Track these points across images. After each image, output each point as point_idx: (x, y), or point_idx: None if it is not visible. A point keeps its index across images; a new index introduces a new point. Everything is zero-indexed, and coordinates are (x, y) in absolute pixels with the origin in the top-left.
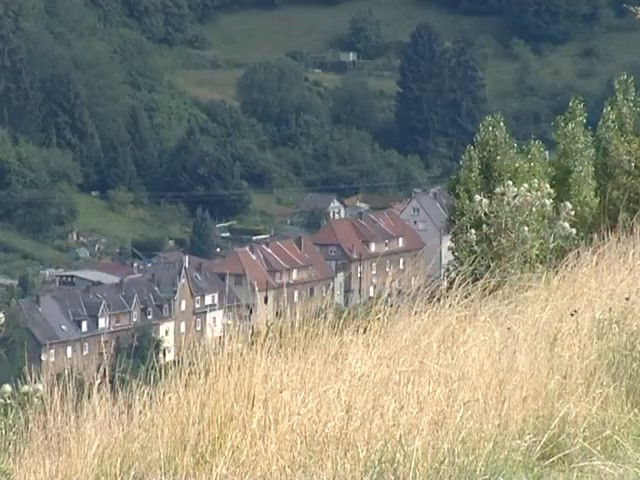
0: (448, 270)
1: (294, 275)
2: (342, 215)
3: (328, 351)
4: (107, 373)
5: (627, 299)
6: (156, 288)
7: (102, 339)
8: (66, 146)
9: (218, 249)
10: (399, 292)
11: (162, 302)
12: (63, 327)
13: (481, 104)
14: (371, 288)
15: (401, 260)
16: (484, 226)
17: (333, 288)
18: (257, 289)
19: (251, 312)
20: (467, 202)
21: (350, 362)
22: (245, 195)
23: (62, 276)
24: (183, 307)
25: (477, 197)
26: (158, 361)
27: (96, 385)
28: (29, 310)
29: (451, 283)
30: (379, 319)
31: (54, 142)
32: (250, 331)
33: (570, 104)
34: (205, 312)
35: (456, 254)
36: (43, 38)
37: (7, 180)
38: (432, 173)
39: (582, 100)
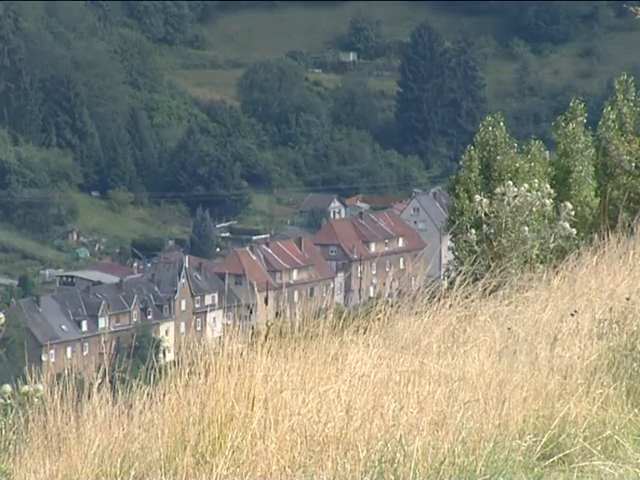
0: (448, 270)
1: (294, 275)
2: (342, 215)
3: (328, 351)
4: (107, 373)
5: (627, 299)
6: (156, 288)
7: (102, 339)
8: (66, 146)
9: (218, 249)
10: (399, 292)
11: (162, 302)
12: (63, 327)
13: (481, 104)
14: (371, 288)
15: (401, 260)
16: (484, 226)
17: (333, 288)
18: (257, 289)
19: (251, 312)
20: (467, 202)
21: (350, 362)
22: (245, 195)
23: (62, 276)
24: (183, 307)
25: (477, 197)
26: (158, 361)
27: (96, 385)
28: (29, 310)
29: (451, 283)
30: (379, 319)
31: (54, 142)
32: (250, 331)
33: (571, 104)
34: (205, 312)
35: (456, 254)
36: (43, 38)
37: (7, 180)
38: (432, 173)
39: (582, 100)
